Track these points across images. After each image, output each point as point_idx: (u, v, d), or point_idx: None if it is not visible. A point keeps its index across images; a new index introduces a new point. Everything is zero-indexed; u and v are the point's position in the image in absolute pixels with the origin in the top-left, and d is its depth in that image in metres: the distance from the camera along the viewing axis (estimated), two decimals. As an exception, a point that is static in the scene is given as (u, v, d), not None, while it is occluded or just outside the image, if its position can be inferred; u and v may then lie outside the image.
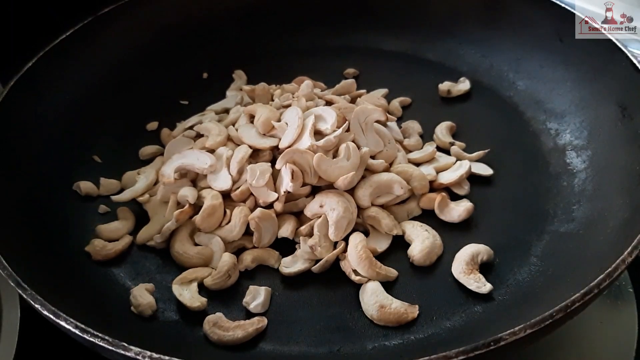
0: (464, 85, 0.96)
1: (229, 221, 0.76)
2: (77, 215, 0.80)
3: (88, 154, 0.88)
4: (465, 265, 0.71)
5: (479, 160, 0.84)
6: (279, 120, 0.82)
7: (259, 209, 0.75)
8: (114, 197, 0.81)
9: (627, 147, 0.77)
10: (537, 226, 0.77)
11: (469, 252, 0.72)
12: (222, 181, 0.78)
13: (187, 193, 0.77)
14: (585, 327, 0.77)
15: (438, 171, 0.82)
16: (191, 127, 0.89)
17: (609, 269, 0.59)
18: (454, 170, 0.81)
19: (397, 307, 0.68)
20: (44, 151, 0.83)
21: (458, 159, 0.84)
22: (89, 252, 0.75)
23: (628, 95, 0.80)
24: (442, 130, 0.88)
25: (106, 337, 0.56)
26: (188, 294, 0.70)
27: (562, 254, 0.72)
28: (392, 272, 0.72)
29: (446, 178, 0.80)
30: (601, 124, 0.83)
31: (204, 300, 0.70)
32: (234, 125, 0.86)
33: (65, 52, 0.90)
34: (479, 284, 0.69)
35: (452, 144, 0.86)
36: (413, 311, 0.68)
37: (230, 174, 0.78)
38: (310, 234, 0.74)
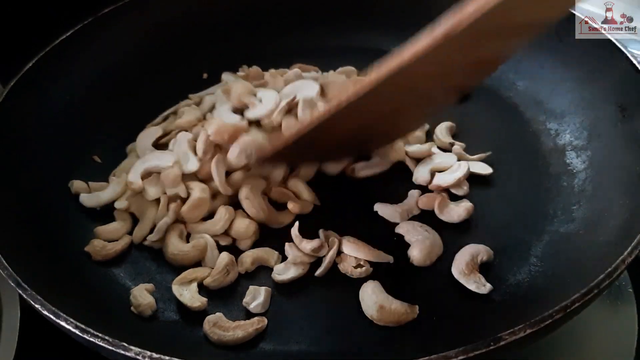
0: None
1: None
2: (77, 215, 0.80)
3: (88, 154, 0.88)
4: (465, 266, 0.71)
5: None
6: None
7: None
8: (81, 199, 0.81)
9: (627, 147, 0.77)
10: (537, 226, 0.77)
11: (468, 252, 0.72)
12: (190, 164, 0.79)
13: (177, 189, 0.78)
14: (585, 327, 0.77)
15: (437, 171, 0.82)
16: (167, 117, 0.91)
17: (609, 269, 0.59)
18: (453, 172, 0.81)
19: (397, 307, 0.68)
20: (44, 151, 0.83)
21: (459, 159, 0.84)
22: (88, 252, 0.75)
23: (628, 96, 0.80)
24: (442, 131, 0.88)
25: (106, 337, 0.56)
26: (188, 294, 0.70)
27: (562, 254, 0.72)
28: (389, 256, 0.73)
29: (444, 180, 0.80)
30: (601, 124, 0.83)
31: (204, 300, 0.70)
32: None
33: (65, 52, 0.90)
34: (479, 284, 0.69)
35: (452, 144, 0.86)
36: (413, 311, 0.68)
37: (196, 156, 0.79)
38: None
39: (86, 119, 0.89)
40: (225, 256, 0.73)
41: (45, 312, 0.59)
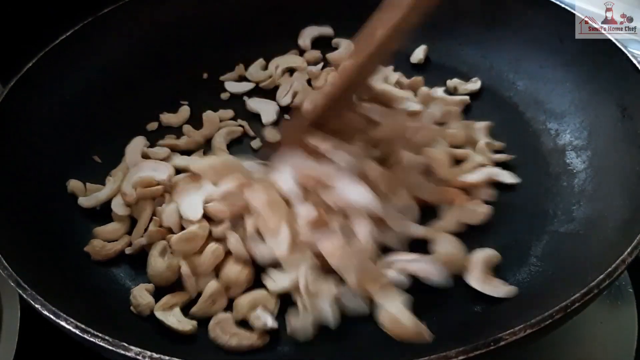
0: (473, 85, 0.96)
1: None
2: (77, 215, 0.80)
3: (88, 154, 0.88)
4: (482, 275, 0.69)
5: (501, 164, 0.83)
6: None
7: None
8: (79, 201, 0.81)
9: (627, 147, 0.77)
10: (537, 226, 0.77)
11: (480, 261, 0.71)
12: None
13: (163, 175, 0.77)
14: (585, 327, 0.77)
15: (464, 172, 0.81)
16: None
17: (609, 269, 0.59)
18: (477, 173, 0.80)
19: (411, 325, 0.65)
20: (44, 151, 0.83)
21: (480, 156, 0.83)
22: (88, 252, 0.75)
23: (628, 95, 0.80)
24: (480, 130, 0.87)
25: (106, 337, 0.56)
26: (174, 319, 0.67)
27: (562, 254, 0.72)
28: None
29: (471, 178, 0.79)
30: (601, 124, 0.83)
31: (195, 322, 0.67)
32: None
33: (65, 52, 0.90)
34: (501, 288, 0.68)
35: (489, 143, 0.85)
36: (424, 336, 0.64)
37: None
38: None
39: (86, 119, 0.89)
40: (212, 284, 0.69)
41: (45, 312, 0.59)
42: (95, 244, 0.75)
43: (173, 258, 0.71)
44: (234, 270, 0.70)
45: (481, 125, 0.88)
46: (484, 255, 0.71)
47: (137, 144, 0.87)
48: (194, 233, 0.72)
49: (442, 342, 0.64)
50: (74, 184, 0.82)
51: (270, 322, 0.65)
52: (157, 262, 0.72)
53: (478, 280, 0.70)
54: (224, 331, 0.66)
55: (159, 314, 0.68)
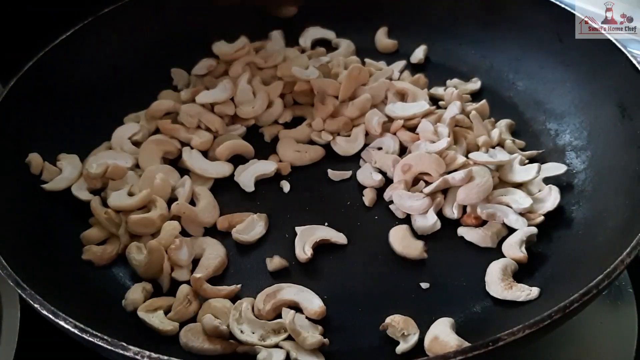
0: (473, 85, 0.96)
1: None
2: (76, 216, 0.80)
3: (88, 154, 0.87)
4: (502, 283, 0.69)
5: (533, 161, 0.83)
6: None
7: None
8: (45, 186, 0.80)
9: (627, 147, 0.77)
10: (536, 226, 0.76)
11: (497, 270, 0.70)
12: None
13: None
14: (585, 327, 0.77)
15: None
16: None
17: (608, 270, 0.59)
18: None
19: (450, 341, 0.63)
20: (43, 151, 0.83)
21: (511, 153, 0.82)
22: (90, 260, 0.75)
23: (628, 96, 0.80)
24: (502, 128, 0.87)
25: (105, 337, 0.56)
26: (156, 320, 0.68)
27: (561, 255, 0.72)
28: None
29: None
30: (601, 125, 0.83)
31: (176, 324, 0.67)
32: None
33: (65, 52, 0.90)
34: (526, 292, 0.68)
35: (513, 141, 0.85)
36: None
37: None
38: None
39: (86, 119, 0.89)
40: (184, 287, 0.71)
41: (44, 312, 0.59)
42: (94, 250, 0.75)
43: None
44: (169, 226, 0.76)
45: (503, 123, 0.88)
46: (499, 265, 0.71)
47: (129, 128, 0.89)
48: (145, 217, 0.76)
49: (441, 342, 0.64)
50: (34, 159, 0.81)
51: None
52: (137, 257, 0.73)
53: (497, 290, 0.69)
54: (195, 336, 0.66)
55: (141, 314, 0.68)
